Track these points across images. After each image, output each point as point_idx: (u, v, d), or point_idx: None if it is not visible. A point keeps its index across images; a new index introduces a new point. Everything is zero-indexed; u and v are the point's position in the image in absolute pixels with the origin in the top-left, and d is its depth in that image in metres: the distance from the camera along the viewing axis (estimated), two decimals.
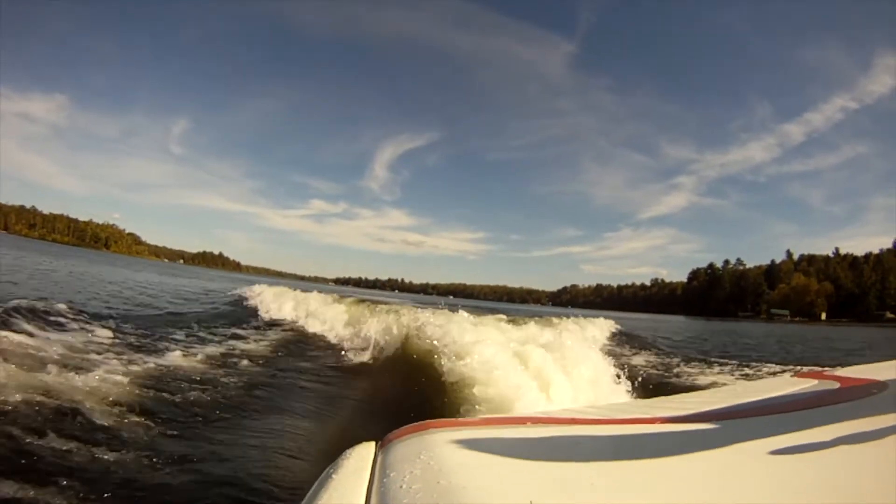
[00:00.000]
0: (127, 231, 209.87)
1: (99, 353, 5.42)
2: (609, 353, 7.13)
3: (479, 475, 1.00)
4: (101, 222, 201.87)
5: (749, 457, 1.06)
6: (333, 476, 1.09)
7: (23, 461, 2.77)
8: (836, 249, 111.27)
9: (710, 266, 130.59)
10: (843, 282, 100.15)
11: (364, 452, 1.24)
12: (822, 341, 25.99)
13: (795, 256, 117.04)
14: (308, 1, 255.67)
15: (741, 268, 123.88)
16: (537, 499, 0.86)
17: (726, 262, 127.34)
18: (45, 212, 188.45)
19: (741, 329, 38.65)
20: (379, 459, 1.17)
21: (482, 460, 1.11)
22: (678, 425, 1.34)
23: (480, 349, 5.45)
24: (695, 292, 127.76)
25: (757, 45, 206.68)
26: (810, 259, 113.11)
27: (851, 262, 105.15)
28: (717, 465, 1.05)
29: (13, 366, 4.18)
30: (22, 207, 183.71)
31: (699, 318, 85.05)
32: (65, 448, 2.98)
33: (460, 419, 1.65)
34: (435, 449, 1.15)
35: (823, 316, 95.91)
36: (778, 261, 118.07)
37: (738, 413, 1.43)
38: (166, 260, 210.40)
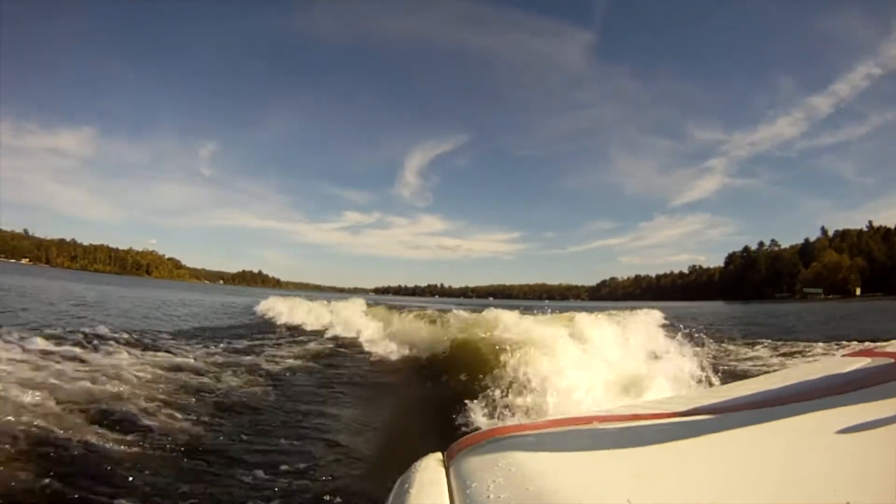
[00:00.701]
0: (167, 256, 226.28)
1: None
2: (655, 345, 7.44)
3: (566, 477, 1.01)
4: (139, 249, 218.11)
5: (816, 439, 1.08)
6: (410, 490, 1.10)
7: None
8: (870, 222, 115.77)
9: (745, 249, 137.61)
10: (876, 255, 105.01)
11: (433, 464, 1.26)
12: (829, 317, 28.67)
13: (830, 232, 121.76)
14: (324, 13, 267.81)
15: (776, 248, 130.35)
16: (633, 497, 0.88)
17: (760, 243, 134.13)
18: (85, 243, 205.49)
19: (770, 310, 42.49)
20: (451, 470, 1.19)
21: (563, 462, 1.13)
22: (738, 413, 1.40)
23: (532, 350, 5.85)
24: (732, 276, 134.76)
25: (776, 17, 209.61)
26: (843, 234, 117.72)
27: (884, 234, 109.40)
28: (786, 448, 1.08)
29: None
30: (62, 241, 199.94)
31: (736, 302, 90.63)
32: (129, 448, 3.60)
33: (525, 423, 1.84)
34: (512, 455, 1.15)
35: (858, 291, 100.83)
36: (813, 238, 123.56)
37: (796, 397, 1.47)
38: (207, 282, 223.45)
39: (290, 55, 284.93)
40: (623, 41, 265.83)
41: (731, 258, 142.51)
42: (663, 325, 14.59)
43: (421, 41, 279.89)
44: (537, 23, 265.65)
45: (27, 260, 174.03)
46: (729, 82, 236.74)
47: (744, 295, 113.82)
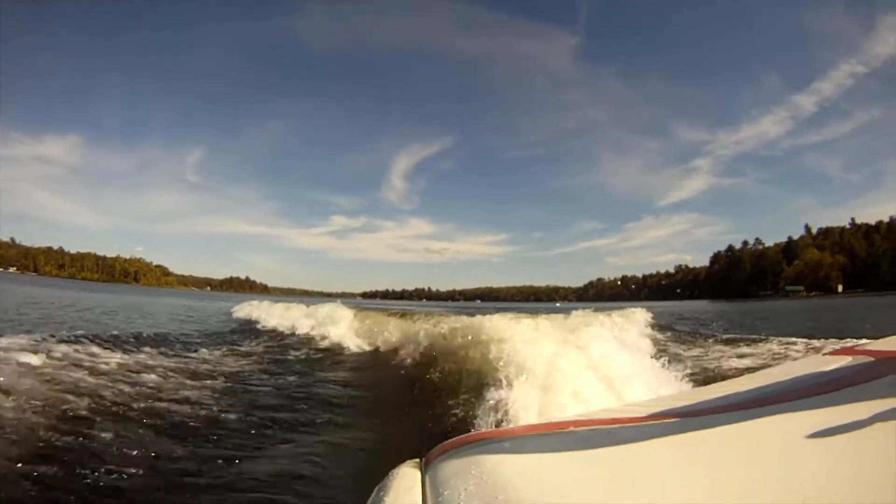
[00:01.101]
0: (154, 263, 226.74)
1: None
2: (634, 347, 7.18)
3: (535, 485, 1.02)
4: (126, 257, 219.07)
5: (798, 439, 1.07)
6: (385, 498, 1.10)
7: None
8: (852, 220, 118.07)
9: (730, 248, 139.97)
10: (858, 252, 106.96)
11: (410, 471, 1.27)
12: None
13: (814, 230, 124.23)
14: (308, 18, 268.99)
15: (760, 247, 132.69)
16: (608, 502, 0.89)
17: (745, 242, 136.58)
18: (72, 251, 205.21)
19: (748, 308, 44.07)
20: (427, 478, 1.20)
21: (535, 469, 1.14)
22: (719, 414, 1.40)
23: (509, 352, 5.76)
24: (717, 276, 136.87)
25: (758, 15, 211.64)
26: (826, 232, 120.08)
27: (865, 231, 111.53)
28: (768, 449, 1.08)
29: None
30: (49, 249, 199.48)
31: (721, 301, 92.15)
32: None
33: (502, 429, 1.91)
34: (485, 463, 1.16)
35: (840, 288, 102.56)
36: (796, 236, 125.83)
37: (778, 397, 1.47)
38: (195, 288, 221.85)
39: (275, 61, 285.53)
40: (608, 42, 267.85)
41: (716, 257, 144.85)
42: (649, 325, 15.64)
43: (405, 45, 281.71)
44: (522, 25, 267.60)
45: (15, 269, 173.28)
46: (713, 82, 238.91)
47: (729, 294, 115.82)
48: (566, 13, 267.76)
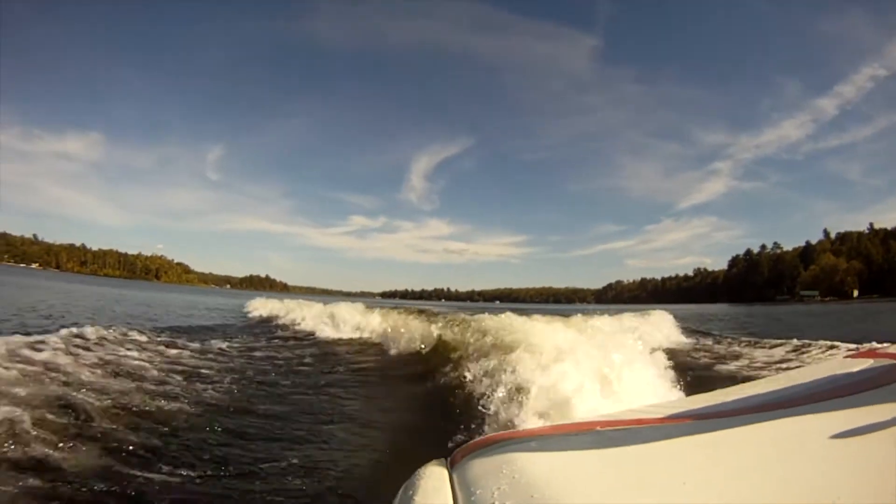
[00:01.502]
0: (175, 261, 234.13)
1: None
2: (656, 348, 7.01)
3: (568, 485, 1.03)
4: (147, 254, 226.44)
5: (823, 441, 1.08)
6: (414, 497, 1.12)
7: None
8: (871, 225, 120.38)
9: (748, 252, 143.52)
10: (874, 258, 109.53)
11: (437, 470, 1.29)
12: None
13: (833, 235, 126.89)
14: (331, 18, 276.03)
15: (778, 251, 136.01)
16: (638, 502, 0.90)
17: (763, 246, 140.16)
18: (94, 248, 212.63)
19: (757, 312, 45.47)
20: (455, 477, 1.21)
21: (567, 469, 1.14)
22: (744, 416, 1.39)
23: (527, 352, 5.76)
24: (735, 279, 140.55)
25: (778, 18, 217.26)
26: (843, 237, 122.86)
27: (883, 237, 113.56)
28: (793, 452, 1.08)
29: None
30: (72, 245, 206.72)
31: (740, 304, 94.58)
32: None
33: (528, 429, 1.87)
34: (515, 462, 1.17)
35: (855, 293, 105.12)
36: (815, 241, 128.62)
37: (801, 399, 1.46)
38: (215, 286, 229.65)
39: (297, 60, 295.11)
40: (627, 45, 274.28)
41: (734, 261, 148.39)
42: (674, 327, 16.59)
43: (426, 46, 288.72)
44: (542, 28, 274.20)
45: (37, 265, 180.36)
46: (733, 85, 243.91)
47: (747, 297, 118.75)
48: (585, 16, 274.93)
